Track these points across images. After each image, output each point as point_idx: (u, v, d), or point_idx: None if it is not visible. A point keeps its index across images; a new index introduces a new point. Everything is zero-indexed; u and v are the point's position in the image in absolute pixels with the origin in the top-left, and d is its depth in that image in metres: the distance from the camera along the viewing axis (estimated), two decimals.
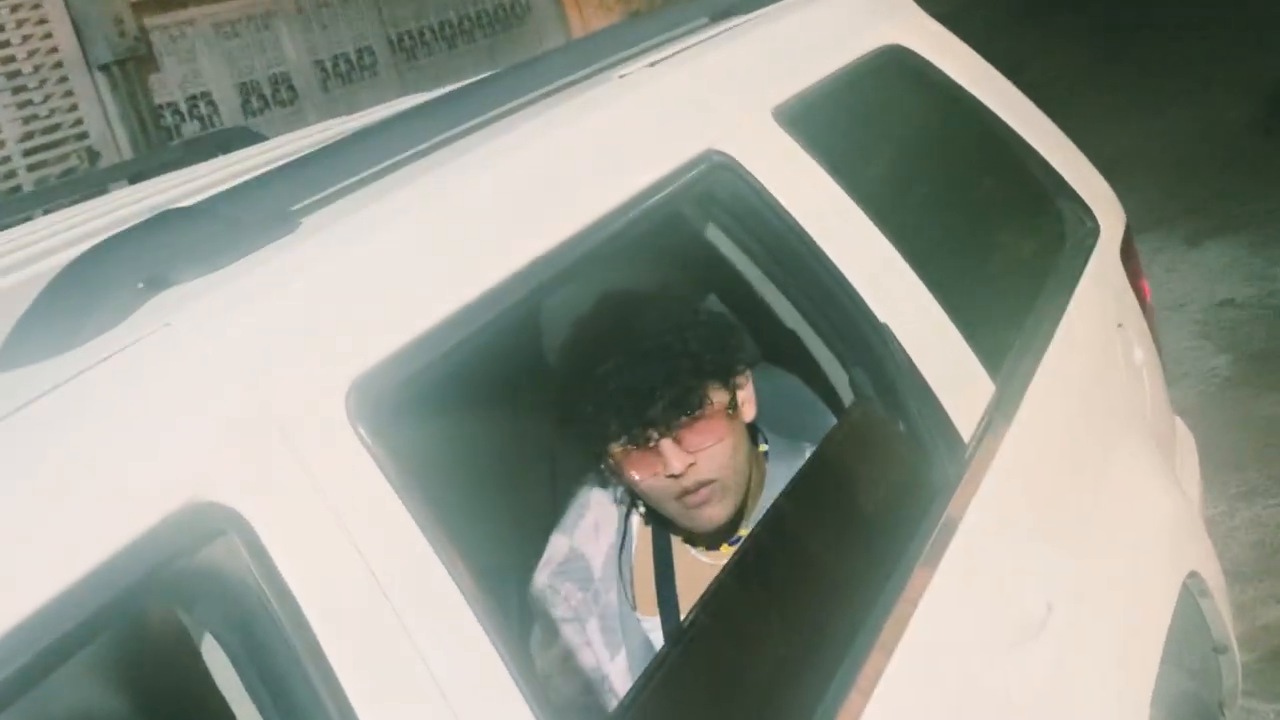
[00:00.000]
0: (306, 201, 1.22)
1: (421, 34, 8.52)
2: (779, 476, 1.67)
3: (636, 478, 1.55)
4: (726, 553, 1.69)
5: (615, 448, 1.56)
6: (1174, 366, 4.43)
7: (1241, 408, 4.18)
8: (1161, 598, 1.90)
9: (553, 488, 1.79)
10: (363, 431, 1.02)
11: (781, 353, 1.74)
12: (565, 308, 1.61)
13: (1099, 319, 2.14)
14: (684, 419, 1.53)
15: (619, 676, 1.60)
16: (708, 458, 1.55)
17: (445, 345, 1.12)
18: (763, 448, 1.75)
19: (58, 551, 0.82)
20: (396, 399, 1.07)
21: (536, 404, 1.78)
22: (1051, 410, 1.86)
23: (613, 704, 1.58)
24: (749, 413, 1.64)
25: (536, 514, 1.78)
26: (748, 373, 1.65)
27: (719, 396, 1.57)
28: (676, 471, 1.52)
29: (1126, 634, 1.78)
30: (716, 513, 1.59)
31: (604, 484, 1.69)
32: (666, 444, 1.53)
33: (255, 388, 0.99)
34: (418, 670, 0.97)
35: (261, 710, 0.92)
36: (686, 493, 1.56)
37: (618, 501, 1.69)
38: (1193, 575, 2.08)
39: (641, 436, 1.53)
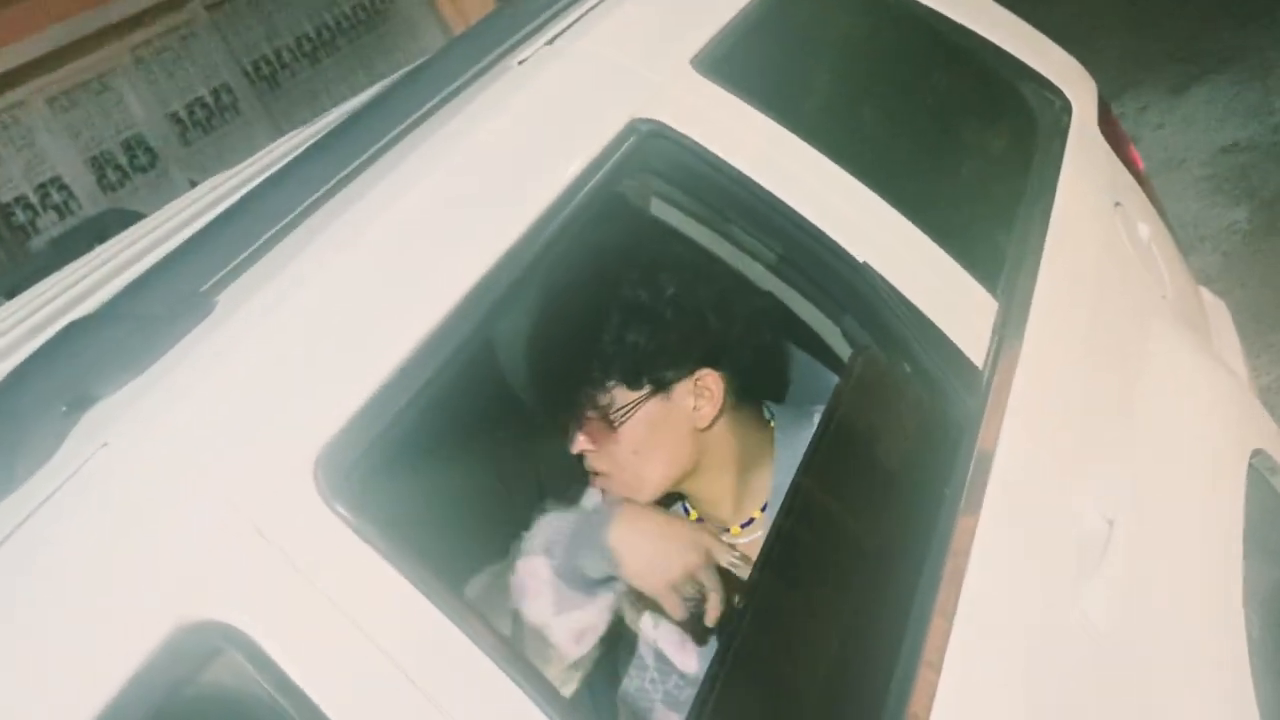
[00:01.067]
0: (215, 279, 1.26)
1: (279, 56, 8.54)
2: (791, 447, 1.73)
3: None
4: (738, 534, 1.77)
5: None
6: (1188, 232, 4.52)
7: (1273, 256, 4.27)
8: (1229, 485, 1.96)
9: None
10: (339, 507, 1.07)
11: (763, 319, 1.79)
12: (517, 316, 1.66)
13: (1092, 202, 2.20)
14: (583, 409, 1.64)
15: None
16: (603, 454, 1.66)
17: (405, 393, 1.18)
18: (770, 421, 1.80)
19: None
20: (366, 463, 1.12)
21: (510, 428, 1.84)
22: (1064, 314, 1.92)
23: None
24: (704, 419, 1.67)
25: None
26: (713, 375, 1.67)
27: (622, 398, 1.63)
28: (574, 452, 1.67)
29: (1200, 532, 1.84)
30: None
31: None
32: (571, 425, 1.66)
33: (216, 491, 1.04)
34: None
35: None
36: (592, 473, 1.70)
37: None
38: (1258, 454, 2.14)
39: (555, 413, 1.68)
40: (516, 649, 1.25)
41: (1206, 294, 2.69)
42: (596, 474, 1.69)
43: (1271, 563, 2.16)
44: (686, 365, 1.65)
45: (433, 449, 1.42)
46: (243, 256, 1.29)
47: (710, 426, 1.68)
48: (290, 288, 1.24)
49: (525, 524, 1.59)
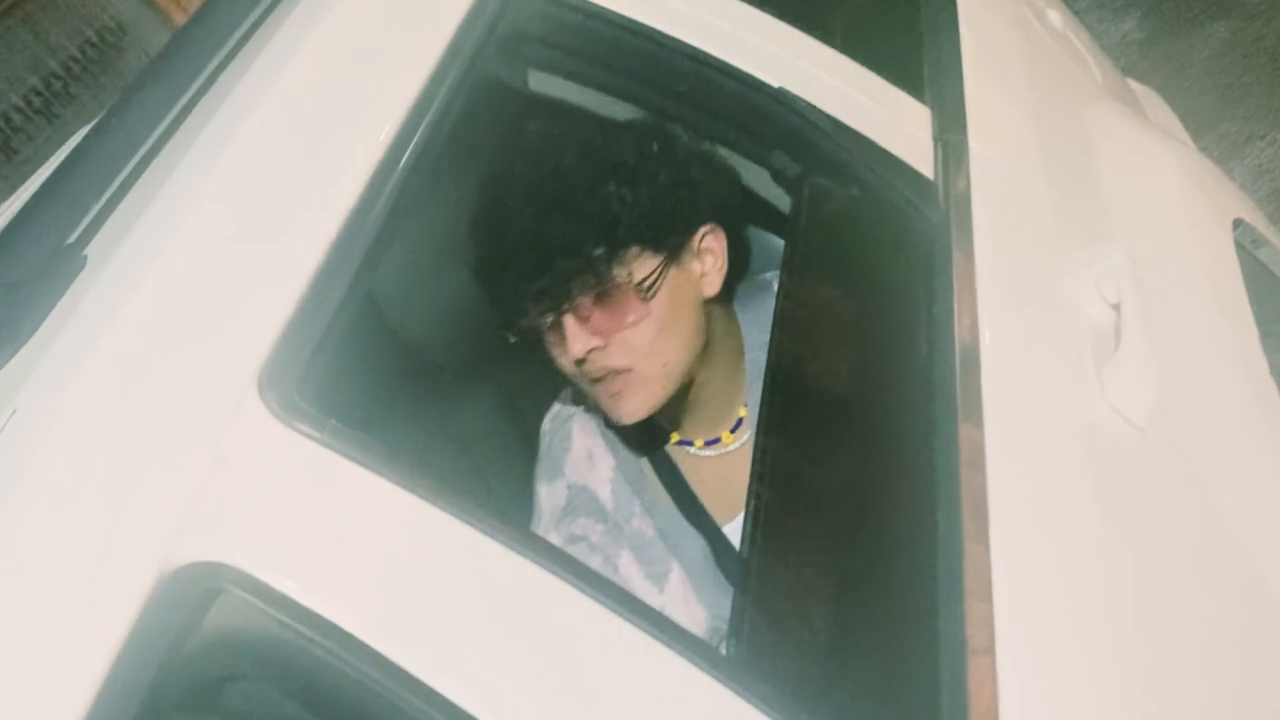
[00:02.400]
0: (79, 230, 1.25)
1: (8, 120, 8.35)
2: (758, 323, 1.74)
3: (556, 361, 1.63)
4: (730, 441, 1.78)
5: (529, 326, 1.61)
6: None
7: (1176, 61, 4.42)
8: (1221, 254, 2.04)
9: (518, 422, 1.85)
10: (297, 423, 1.08)
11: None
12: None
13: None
14: (586, 294, 1.57)
15: (675, 602, 1.66)
16: (619, 343, 1.59)
17: (333, 295, 1.18)
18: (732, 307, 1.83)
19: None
20: (313, 372, 1.13)
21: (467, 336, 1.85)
22: (1001, 107, 1.98)
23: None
24: (711, 285, 1.69)
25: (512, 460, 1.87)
26: (715, 232, 1.68)
27: (643, 267, 1.59)
28: (576, 356, 1.57)
29: (1207, 305, 1.91)
30: (633, 408, 1.62)
31: (579, 401, 1.77)
32: (569, 321, 1.57)
33: (164, 429, 1.04)
34: (490, 628, 1.05)
35: None
36: (596, 381, 1.60)
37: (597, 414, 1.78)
38: (1239, 224, 2.23)
39: (542, 312, 1.58)
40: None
41: (1134, 84, 2.78)
42: (597, 380, 1.61)
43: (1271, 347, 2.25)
44: (689, 224, 1.65)
45: (382, 348, 1.42)
46: (103, 201, 1.28)
47: (714, 299, 1.69)
48: (169, 219, 1.23)
49: (499, 435, 1.59)
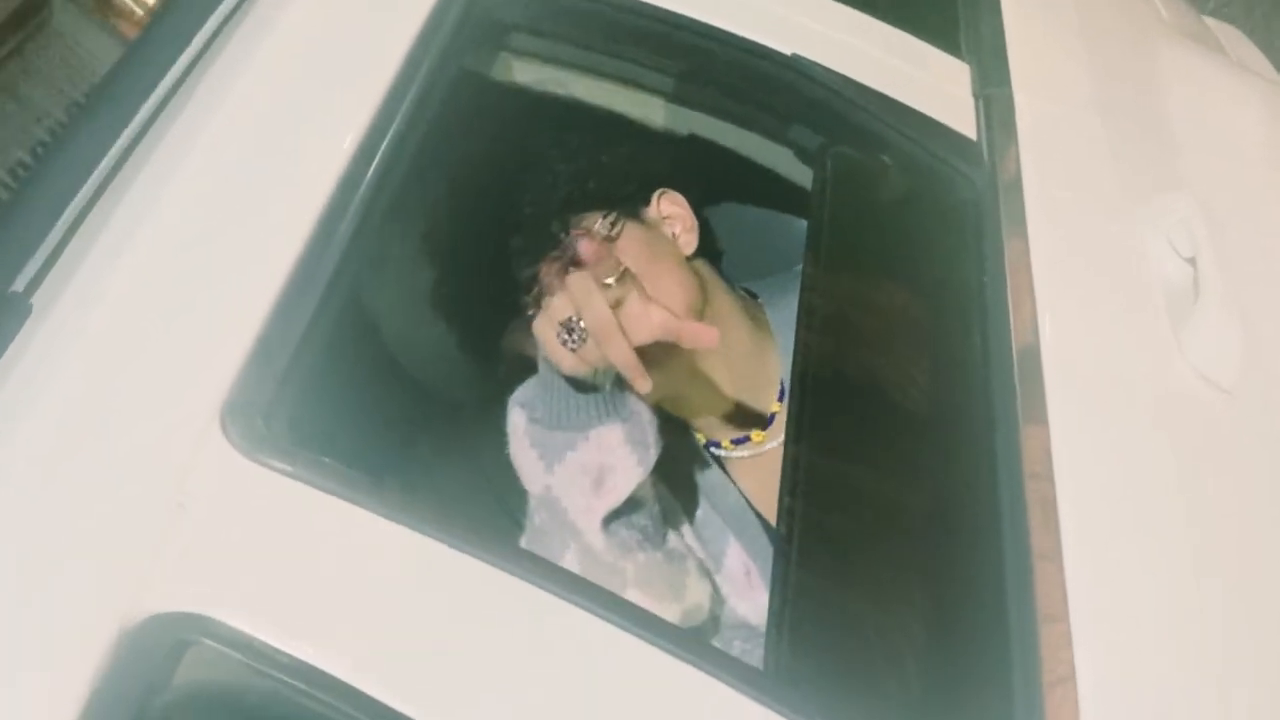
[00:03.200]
0: (23, 277, 1.28)
1: None
2: (790, 321, 1.75)
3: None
4: (762, 440, 1.79)
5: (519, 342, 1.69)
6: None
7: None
8: None
9: None
10: (267, 458, 1.10)
11: (685, 174, 1.83)
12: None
13: None
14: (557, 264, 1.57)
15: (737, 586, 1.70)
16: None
17: (300, 316, 1.20)
18: (756, 299, 1.84)
19: None
20: (281, 401, 1.14)
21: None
22: (1050, 52, 1.98)
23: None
24: (687, 245, 1.77)
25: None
26: (668, 194, 1.79)
27: (600, 225, 1.70)
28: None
29: None
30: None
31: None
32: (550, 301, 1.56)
33: (121, 475, 1.07)
34: (501, 665, 1.06)
35: None
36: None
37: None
38: None
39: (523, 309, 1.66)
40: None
41: (1213, 22, 2.78)
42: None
43: None
44: (641, 190, 1.75)
45: (360, 368, 1.44)
46: (50, 246, 1.31)
47: (696, 260, 1.76)
48: (118, 255, 1.25)
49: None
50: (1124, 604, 1.33)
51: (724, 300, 1.79)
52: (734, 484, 1.77)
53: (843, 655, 1.23)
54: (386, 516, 1.11)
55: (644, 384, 1.44)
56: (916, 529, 1.39)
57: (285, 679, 1.00)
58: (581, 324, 1.41)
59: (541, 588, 1.11)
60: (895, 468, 1.45)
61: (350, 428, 1.34)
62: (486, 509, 1.63)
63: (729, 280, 1.86)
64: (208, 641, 0.99)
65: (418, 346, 1.90)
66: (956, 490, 1.43)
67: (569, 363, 1.44)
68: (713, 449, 1.81)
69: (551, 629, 1.09)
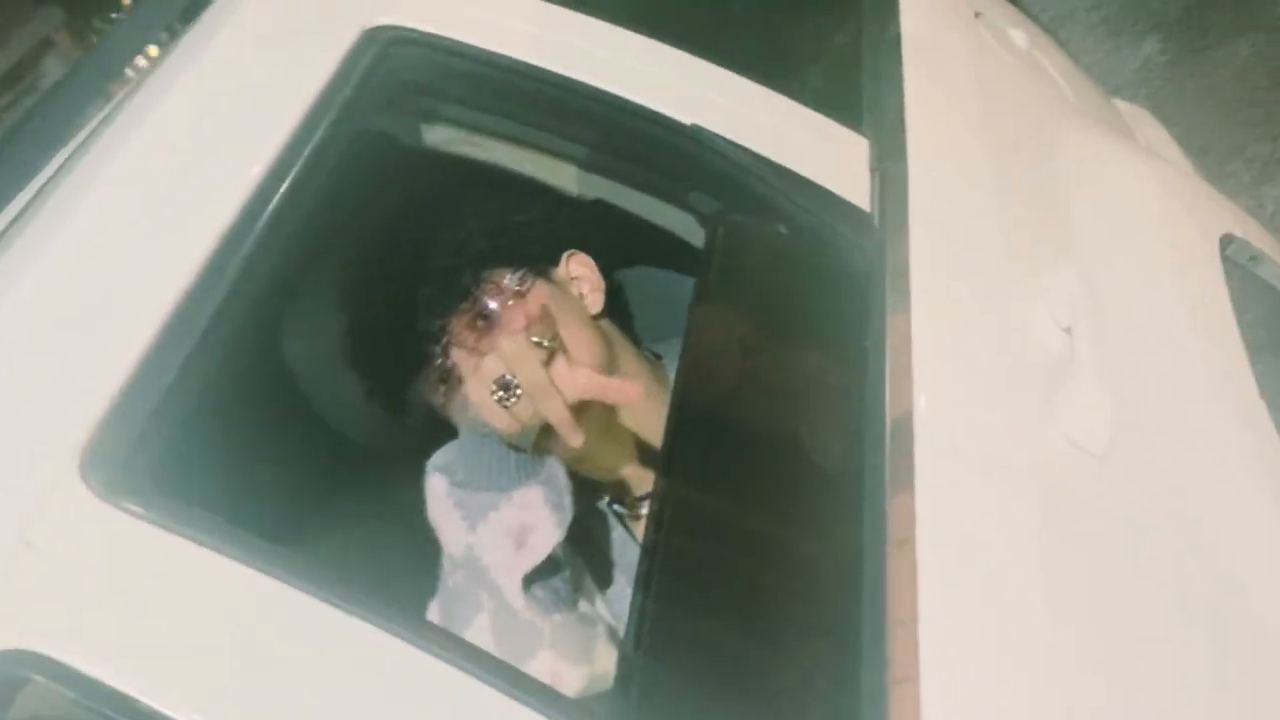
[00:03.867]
0: None
1: None
2: None
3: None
4: None
5: (430, 391, 1.67)
6: (1105, 82, 4.65)
7: (1200, 81, 4.41)
8: (1203, 271, 2.02)
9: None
10: (124, 502, 1.08)
11: (592, 237, 1.82)
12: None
13: (944, 14, 2.27)
14: (466, 319, 1.64)
15: None
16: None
17: (173, 364, 1.19)
18: (660, 358, 1.83)
19: None
20: (150, 446, 1.13)
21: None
22: (948, 132, 1.97)
23: None
24: (594, 304, 1.75)
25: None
26: (576, 255, 1.78)
27: (509, 280, 1.68)
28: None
29: (1184, 326, 1.89)
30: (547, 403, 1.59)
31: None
32: (458, 353, 1.64)
33: None
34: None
35: None
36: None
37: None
38: (1230, 240, 2.21)
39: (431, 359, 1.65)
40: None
41: (1121, 104, 2.78)
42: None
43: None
44: (549, 251, 1.74)
45: (236, 416, 1.42)
46: None
47: (602, 320, 1.76)
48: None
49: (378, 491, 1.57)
50: (976, 668, 1.32)
51: (629, 359, 1.78)
52: (638, 544, 1.75)
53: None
54: (245, 562, 1.09)
55: (577, 439, 1.46)
56: (777, 589, 1.38)
57: (117, 718, 0.98)
58: (517, 383, 1.41)
59: (397, 635, 1.09)
60: (761, 528, 1.43)
61: (221, 474, 1.32)
62: (367, 556, 1.60)
63: (635, 340, 1.85)
64: (43, 679, 0.98)
65: (306, 395, 1.88)
66: (822, 554, 1.42)
67: (503, 421, 1.44)
68: (615, 508, 1.79)
69: (403, 677, 1.08)
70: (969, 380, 1.61)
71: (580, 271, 1.78)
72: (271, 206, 1.39)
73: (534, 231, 1.76)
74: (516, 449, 1.49)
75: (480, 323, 1.64)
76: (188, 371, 1.21)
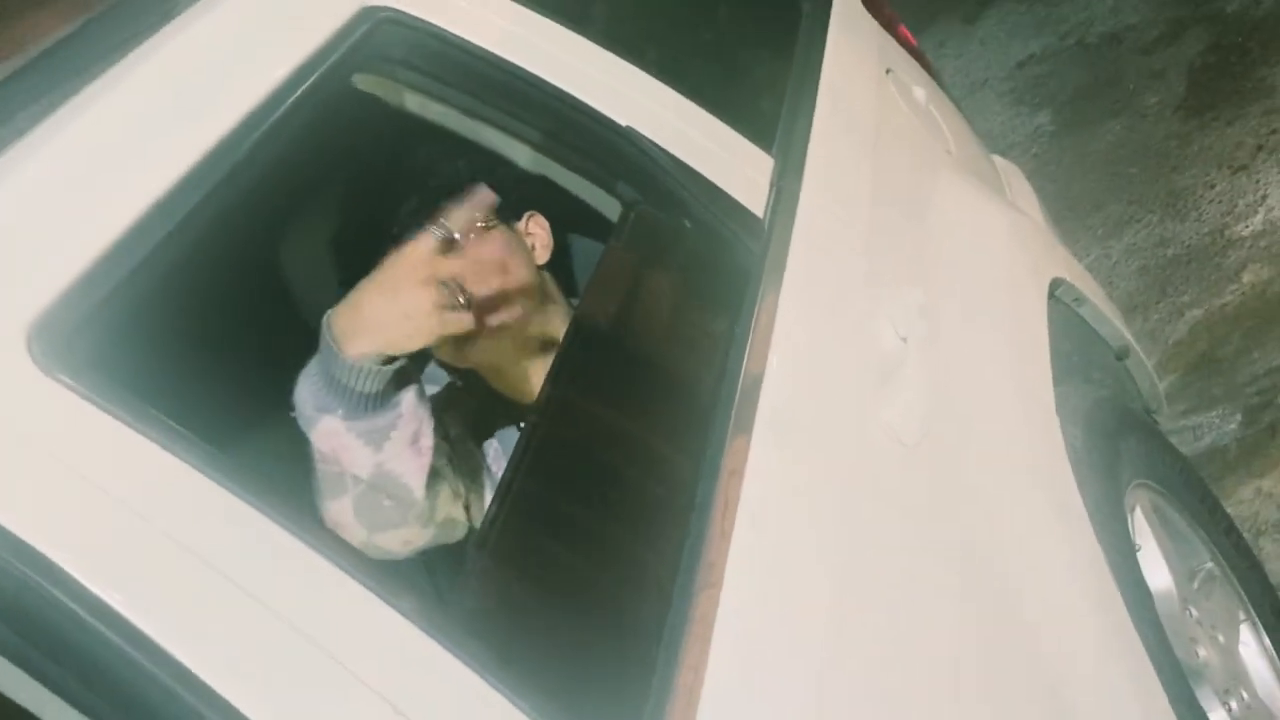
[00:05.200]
0: None
1: None
2: None
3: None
4: None
5: None
6: (998, 142, 4.58)
7: (1077, 150, 4.34)
8: (1029, 306, 1.95)
9: None
10: (61, 374, 1.00)
11: (537, 203, 1.74)
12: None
13: (860, 69, 2.18)
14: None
15: None
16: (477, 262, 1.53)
17: (135, 258, 1.10)
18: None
19: None
20: (97, 329, 1.05)
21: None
22: (842, 164, 1.90)
23: None
24: (541, 255, 1.72)
25: None
26: (535, 217, 1.73)
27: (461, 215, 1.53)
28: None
29: (1003, 350, 1.83)
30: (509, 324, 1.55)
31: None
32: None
33: None
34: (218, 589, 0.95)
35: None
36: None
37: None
38: (1060, 284, 2.15)
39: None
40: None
41: (999, 159, 2.70)
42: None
43: (1091, 385, 2.16)
44: (515, 208, 1.69)
45: (186, 317, 1.34)
46: None
47: (543, 271, 1.71)
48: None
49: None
50: (774, 577, 1.25)
51: (554, 301, 1.72)
52: None
53: (522, 605, 1.15)
54: (158, 442, 1.00)
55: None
56: (622, 505, 1.31)
57: (20, 565, 0.90)
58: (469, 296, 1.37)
59: (295, 534, 1.00)
60: (618, 453, 1.37)
61: (169, 366, 1.23)
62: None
63: (567, 290, 1.79)
64: None
65: (267, 300, 1.79)
66: (665, 479, 1.35)
67: (442, 326, 1.32)
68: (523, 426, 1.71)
69: (288, 565, 0.99)
70: (816, 359, 1.55)
71: (536, 229, 1.74)
72: (257, 134, 1.30)
73: (502, 189, 1.67)
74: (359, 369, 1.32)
75: (445, 243, 1.52)
76: (150, 267, 1.12)
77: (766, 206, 1.71)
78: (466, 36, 1.59)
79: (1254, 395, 3.08)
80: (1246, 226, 3.59)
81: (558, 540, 1.24)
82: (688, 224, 1.63)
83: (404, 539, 1.42)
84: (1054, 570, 1.63)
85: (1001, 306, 1.91)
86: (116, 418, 1.00)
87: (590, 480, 1.32)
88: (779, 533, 1.30)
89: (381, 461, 1.36)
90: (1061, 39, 5.03)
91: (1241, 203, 3.68)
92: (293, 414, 1.35)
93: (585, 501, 1.29)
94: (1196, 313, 3.42)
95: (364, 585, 1.01)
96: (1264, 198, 3.65)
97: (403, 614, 0.99)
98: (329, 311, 1.32)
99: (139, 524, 0.95)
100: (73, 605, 0.90)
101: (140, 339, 1.09)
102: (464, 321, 1.34)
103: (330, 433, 1.33)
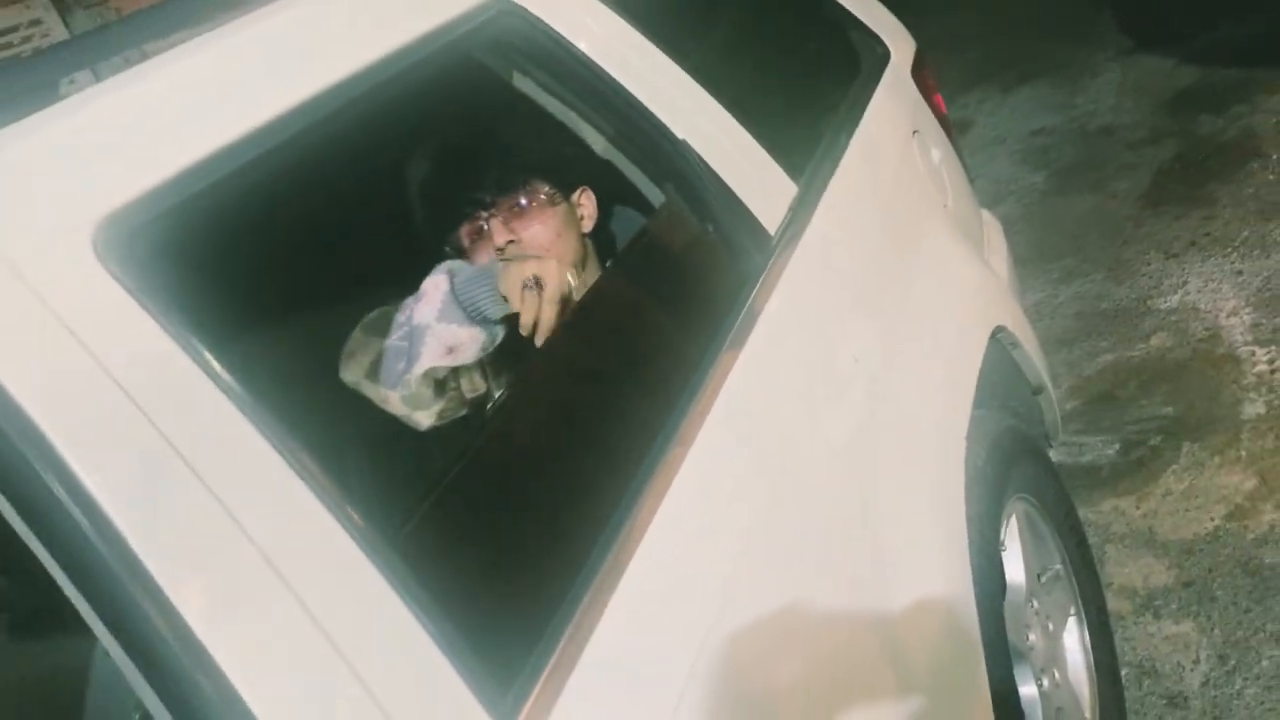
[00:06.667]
0: (75, 78, 0.99)
1: None
2: None
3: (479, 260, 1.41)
4: None
5: (462, 237, 1.43)
6: (1000, 188, 4.23)
7: (1057, 210, 3.99)
8: (970, 346, 1.71)
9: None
10: (118, 270, 0.81)
11: (601, 182, 1.52)
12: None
13: (893, 126, 1.91)
14: (509, 203, 1.41)
15: None
16: (530, 237, 1.40)
17: (213, 180, 0.90)
18: None
19: None
20: (164, 238, 0.85)
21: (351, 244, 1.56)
22: (853, 202, 1.65)
23: None
24: (587, 224, 1.52)
25: None
26: (587, 191, 1.50)
27: (545, 192, 1.44)
28: (499, 244, 1.39)
29: (938, 379, 1.59)
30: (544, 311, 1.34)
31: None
32: (495, 223, 1.41)
33: None
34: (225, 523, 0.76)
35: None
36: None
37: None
38: (1001, 329, 1.89)
39: (476, 218, 1.42)
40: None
41: (987, 214, 2.41)
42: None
43: (1004, 414, 1.92)
44: (570, 181, 1.49)
45: (255, 245, 1.15)
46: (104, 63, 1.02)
47: (588, 236, 1.51)
48: (125, 81, 0.96)
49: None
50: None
51: (593, 265, 1.51)
52: None
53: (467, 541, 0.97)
54: (189, 355, 0.80)
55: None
56: (575, 462, 1.12)
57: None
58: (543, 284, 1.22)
59: (271, 445, 0.79)
60: (594, 408, 1.17)
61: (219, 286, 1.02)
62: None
63: (601, 258, 1.56)
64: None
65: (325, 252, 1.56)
66: (624, 438, 1.15)
67: (516, 300, 1.22)
68: None
69: (256, 472, 0.79)
70: (781, 364, 1.33)
71: (586, 202, 1.52)
72: (369, 85, 1.09)
73: (568, 165, 1.47)
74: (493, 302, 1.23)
75: (516, 208, 1.40)
76: (227, 191, 0.92)
77: (779, 227, 1.48)
78: (570, 38, 1.36)
79: (1134, 432, 2.80)
80: (1165, 302, 3.25)
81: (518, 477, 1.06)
82: (710, 228, 1.41)
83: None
84: (925, 555, 1.42)
85: (948, 343, 1.68)
86: (151, 315, 0.81)
87: (557, 431, 1.13)
88: (713, 485, 1.11)
89: (429, 326, 1.25)
90: (1069, 121, 4.60)
91: (1166, 282, 3.33)
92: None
93: (549, 448, 1.10)
94: (1109, 357, 3.12)
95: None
96: (1184, 283, 3.30)
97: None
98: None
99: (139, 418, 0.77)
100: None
101: (200, 255, 0.90)
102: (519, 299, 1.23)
103: (438, 283, 1.27)
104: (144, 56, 1.00)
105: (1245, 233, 3.40)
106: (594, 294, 1.25)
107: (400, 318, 1.27)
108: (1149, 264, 3.46)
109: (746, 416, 1.21)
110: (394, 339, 1.27)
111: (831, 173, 1.64)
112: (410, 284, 1.31)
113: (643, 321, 1.27)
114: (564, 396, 1.13)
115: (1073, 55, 5.20)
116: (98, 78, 0.99)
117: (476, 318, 1.26)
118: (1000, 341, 1.91)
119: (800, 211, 1.52)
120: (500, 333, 1.27)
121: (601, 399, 1.16)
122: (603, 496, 1.04)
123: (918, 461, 1.45)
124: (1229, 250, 3.35)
